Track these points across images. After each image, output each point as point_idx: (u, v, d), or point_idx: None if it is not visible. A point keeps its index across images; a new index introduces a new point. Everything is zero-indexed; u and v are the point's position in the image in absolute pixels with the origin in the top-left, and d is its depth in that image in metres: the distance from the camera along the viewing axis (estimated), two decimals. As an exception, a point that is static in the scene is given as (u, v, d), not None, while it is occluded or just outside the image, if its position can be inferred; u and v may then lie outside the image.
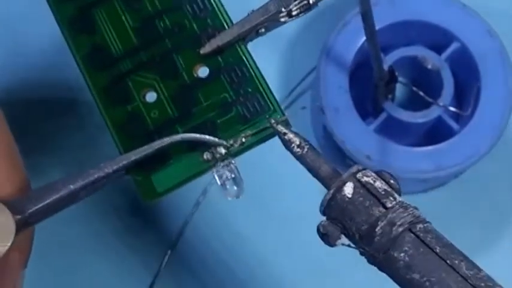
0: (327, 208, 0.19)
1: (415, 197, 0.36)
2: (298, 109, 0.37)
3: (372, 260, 0.19)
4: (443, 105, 0.32)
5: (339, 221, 0.19)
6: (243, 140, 0.22)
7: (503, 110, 0.32)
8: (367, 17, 0.25)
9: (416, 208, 0.19)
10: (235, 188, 0.22)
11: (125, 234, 0.37)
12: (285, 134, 0.21)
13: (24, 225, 0.20)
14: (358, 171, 0.19)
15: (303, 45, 0.38)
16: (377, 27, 0.32)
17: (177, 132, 0.22)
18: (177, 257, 0.36)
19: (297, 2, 0.22)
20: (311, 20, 0.37)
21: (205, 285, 0.36)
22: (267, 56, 0.37)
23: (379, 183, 0.19)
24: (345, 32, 0.33)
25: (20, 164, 0.22)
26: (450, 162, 0.31)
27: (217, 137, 0.22)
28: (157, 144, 0.21)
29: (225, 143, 0.21)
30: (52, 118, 0.38)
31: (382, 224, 0.18)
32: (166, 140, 0.21)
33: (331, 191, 0.19)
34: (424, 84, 0.34)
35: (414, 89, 0.33)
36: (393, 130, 0.33)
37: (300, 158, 0.20)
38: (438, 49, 0.33)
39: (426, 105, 0.33)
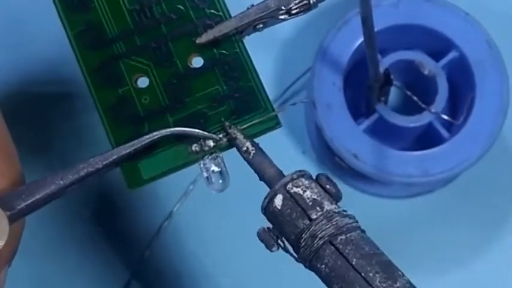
0: (264, 214, 0.20)
1: (402, 202, 0.36)
2: (291, 106, 0.37)
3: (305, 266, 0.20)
4: (436, 112, 0.32)
5: (275, 228, 0.20)
6: (233, 135, 0.22)
7: (495, 123, 0.32)
8: (366, 21, 0.25)
9: (349, 216, 0.19)
10: (220, 181, 0.22)
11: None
12: (235, 138, 0.21)
13: (13, 220, 0.20)
14: (291, 180, 0.19)
15: (301, 44, 0.38)
16: (377, 29, 0.32)
17: (167, 121, 0.22)
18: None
19: (297, 1, 0.22)
20: (310, 20, 0.37)
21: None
22: (264, 53, 0.37)
23: (308, 193, 0.19)
24: (344, 30, 0.33)
25: (16, 158, 0.22)
26: (436, 169, 0.31)
27: (206, 130, 0.21)
28: (147, 138, 0.21)
29: (215, 136, 0.21)
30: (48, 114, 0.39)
31: (305, 236, 0.19)
32: (156, 134, 0.21)
33: (265, 201, 0.20)
34: (419, 90, 0.33)
35: (408, 93, 0.33)
36: (383, 132, 0.33)
37: (248, 162, 0.21)
38: (436, 56, 0.33)
39: (419, 111, 0.33)
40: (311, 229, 0.19)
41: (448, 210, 0.36)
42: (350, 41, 0.33)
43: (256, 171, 0.21)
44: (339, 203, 0.20)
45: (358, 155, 0.32)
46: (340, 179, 0.36)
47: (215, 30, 0.22)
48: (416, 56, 0.33)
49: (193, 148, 0.21)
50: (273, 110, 0.22)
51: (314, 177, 0.20)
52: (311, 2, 0.22)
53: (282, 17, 0.22)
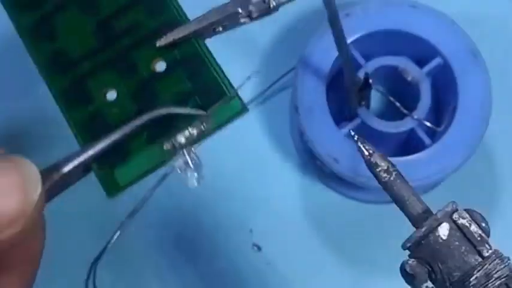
0: (415, 246, 0.18)
1: (383, 207, 0.36)
2: (275, 106, 0.37)
3: None
4: (417, 118, 0.32)
5: (427, 262, 0.18)
6: (202, 127, 0.22)
7: (476, 131, 0.32)
8: (334, 22, 0.25)
9: (509, 259, 0.18)
10: (196, 175, 0.22)
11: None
12: (370, 155, 0.20)
13: None
14: (454, 211, 0.18)
15: (285, 46, 0.38)
16: (363, 33, 0.33)
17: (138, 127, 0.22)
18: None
19: (256, 5, 0.22)
20: (295, 22, 0.37)
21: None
22: (248, 54, 0.37)
23: (474, 227, 0.18)
24: (328, 35, 0.33)
25: None
26: (417, 175, 0.31)
27: (176, 128, 0.22)
28: (138, 121, 0.21)
29: (205, 113, 0.22)
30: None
31: (478, 274, 0.17)
32: (146, 117, 0.21)
33: (424, 229, 0.18)
34: (402, 96, 0.34)
35: (391, 98, 0.33)
36: (365, 137, 0.33)
37: (385, 184, 0.19)
38: (421, 62, 0.33)
39: (401, 117, 0.33)
40: (485, 267, 0.17)
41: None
42: (334, 46, 0.33)
43: (395, 197, 0.19)
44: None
45: (339, 159, 0.32)
46: (322, 183, 0.36)
47: (174, 33, 0.22)
48: (401, 62, 0.33)
49: (164, 147, 0.22)
50: (239, 97, 0.22)
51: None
52: (271, 5, 0.22)
53: (242, 20, 0.22)
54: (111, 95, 0.23)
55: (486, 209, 0.35)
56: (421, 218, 0.18)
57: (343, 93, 0.34)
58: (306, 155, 0.36)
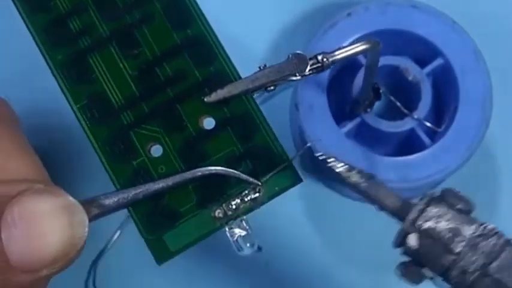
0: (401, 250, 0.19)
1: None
2: (275, 106, 0.37)
3: None
4: (418, 118, 0.32)
5: (417, 263, 0.18)
6: (255, 195, 0.21)
7: (477, 132, 0.32)
8: (370, 68, 0.25)
9: (490, 231, 0.18)
10: (248, 245, 0.21)
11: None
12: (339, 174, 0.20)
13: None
14: (419, 214, 0.18)
15: (289, 44, 0.38)
16: (364, 33, 0.33)
17: (187, 189, 0.21)
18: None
19: (311, 64, 0.21)
20: (298, 21, 0.37)
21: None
22: (248, 54, 0.37)
23: (443, 223, 0.18)
24: (331, 33, 0.33)
25: (38, 161, 0.21)
26: (416, 175, 0.31)
27: (228, 195, 0.21)
28: (188, 174, 0.20)
29: (258, 183, 0.21)
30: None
31: (455, 273, 0.18)
32: (197, 172, 0.21)
33: (397, 241, 0.19)
34: (403, 95, 0.33)
35: (391, 98, 0.33)
36: (365, 136, 0.33)
37: (361, 192, 0.20)
38: (422, 62, 0.33)
39: (402, 116, 0.33)
40: (459, 265, 0.17)
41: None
42: (337, 44, 0.32)
43: (373, 202, 0.20)
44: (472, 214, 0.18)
45: (338, 157, 0.31)
46: (321, 182, 0.36)
47: (225, 90, 0.21)
48: (402, 62, 0.33)
49: (216, 214, 0.21)
50: (292, 165, 0.21)
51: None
52: (324, 64, 0.21)
53: (294, 78, 0.21)
54: (157, 150, 0.21)
55: (486, 209, 0.35)
56: (401, 213, 0.19)
57: (344, 92, 0.34)
58: (306, 153, 0.36)
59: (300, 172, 0.36)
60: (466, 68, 0.32)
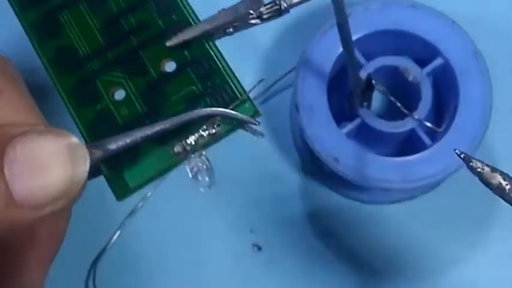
0: None
1: (382, 208, 0.36)
2: (275, 106, 0.37)
3: None
4: (418, 118, 0.32)
5: None
6: (213, 130, 0.22)
7: (477, 132, 0.32)
8: (342, 27, 0.25)
9: None
10: (207, 179, 0.22)
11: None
12: (480, 173, 0.20)
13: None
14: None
15: (288, 45, 0.38)
16: (364, 33, 0.33)
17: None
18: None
19: (268, 6, 0.22)
20: (296, 21, 0.37)
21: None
22: (249, 54, 0.37)
23: None
24: (331, 33, 0.33)
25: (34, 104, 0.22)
26: (416, 176, 0.31)
27: (186, 131, 0.22)
28: (184, 117, 0.21)
29: (253, 121, 0.22)
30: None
31: None
32: (194, 114, 0.21)
33: None
34: (403, 96, 0.34)
35: (391, 99, 0.33)
36: (366, 137, 0.33)
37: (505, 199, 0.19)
38: (422, 62, 0.33)
39: (402, 117, 0.33)
40: None
41: (428, 218, 0.36)
42: (336, 45, 0.32)
43: None
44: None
45: (339, 158, 0.32)
46: (322, 183, 0.36)
47: (184, 33, 0.22)
48: (402, 62, 0.33)
49: (175, 149, 0.22)
50: (252, 102, 0.22)
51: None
52: (282, 7, 0.22)
53: (253, 21, 0.22)
54: (120, 94, 0.23)
55: (486, 209, 0.35)
56: None
57: (344, 93, 0.34)
58: (306, 154, 0.36)
59: (300, 173, 0.37)
60: (466, 68, 0.32)
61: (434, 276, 0.35)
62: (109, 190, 0.36)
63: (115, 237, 0.35)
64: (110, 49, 0.23)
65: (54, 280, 0.36)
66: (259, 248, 0.36)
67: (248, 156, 0.37)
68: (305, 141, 0.33)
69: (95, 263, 0.35)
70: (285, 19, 0.38)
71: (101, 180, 0.37)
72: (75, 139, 0.19)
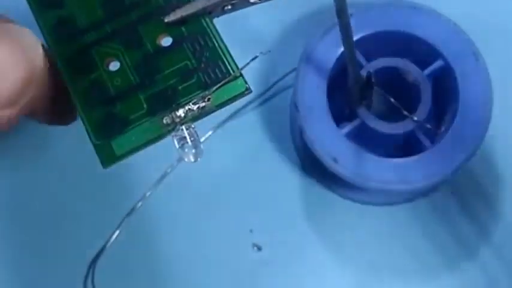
0: None
1: (381, 209, 0.36)
2: (276, 106, 0.37)
3: None
4: (418, 120, 0.32)
5: None
6: (203, 104, 0.22)
7: (476, 134, 0.32)
8: (342, 14, 0.25)
9: None
10: (193, 150, 0.22)
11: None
12: None
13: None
14: None
15: (290, 43, 0.38)
16: (365, 34, 0.33)
17: (138, 99, 0.22)
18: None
19: None
20: (297, 21, 0.37)
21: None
22: (252, 51, 0.37)
23: None
24: (332, 33, 0.33)
25: None
26: (415, 177, 0.31)
27: (177, 103, 0.22)
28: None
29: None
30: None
31: None
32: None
33: None
34: (403, 97, 0.33)
35: (391, 100, 0.33)
36: (365, 137, 0.33)
37: None
38: (422, 64, 0.33)
39: (402, 118, 0.33)
40: None
41: (427, 220, 0.36)
42: (337, 45, 0.33)
43: None
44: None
45: (338, 159, 0.32)
46: (322, 183, 0.36)
47: (183, 9, 0.22)
48: (402, 63, 0.33)
49: (164, 121, 0.22)
50: (244, 79, 0.22)
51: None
52: None
53: (252, 0, 0.22)
54: (114, 65, 0.23)
55: (486, 210, 0.35)
56: None
57: (344, 93, 0.34)
58: (306, 155, 0.36)
59: (300, 173, 0.37)
60: (466, 70, 0.32)
61: (434, 276, 0.35)
62: (109, 190, 0.37)
63: (114, 236, 0.35)
64: (109, 22, 0.23)
65: (54, 279, 0.36)
66: (259, 248, 0.36)
67: (248, 156, 0.37)
68: (305, 141, 0.33)
69: (93, 262, 0.35)
70: (284, 19, 0.38)
71: (101, 180, 0.37)
72: (28, 34, 0.20)
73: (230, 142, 0.37)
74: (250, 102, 0.37)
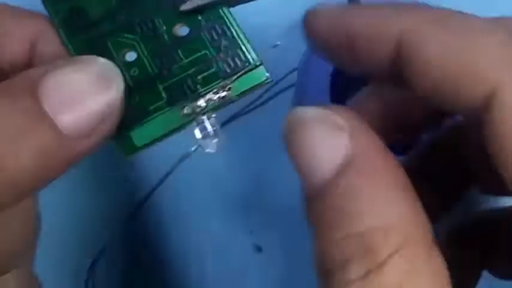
0: None
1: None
2: (276, 107, 0.37)
3: None
4: (418, 120, 0.32)
5: None
6: (224, 93, 0.22)
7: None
8: None
9: None
10: (214, 141, 0.22)
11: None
12: None
13: None
14: None
15: (289, 43, 0.38)
16: None
17: (158, 90, 0.22)
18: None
19: None
20: (297, 21, 0.37)
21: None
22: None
23: None
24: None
25: None
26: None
27: (197, 93, 0.22)
28: None
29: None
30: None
31: None
32: None
33: None
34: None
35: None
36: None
37: None
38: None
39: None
40: None
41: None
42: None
43: None
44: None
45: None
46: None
47: None
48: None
49: (185, 111, 0.22)
50: (262, 65, 0.22)
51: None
52: None
53: None
54: (131, 56, 0.23)
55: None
56: None
57: (345, 93, 0.34)
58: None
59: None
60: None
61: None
62: (109, 190, 0.37)
63: (115, 236, 0.35)
64: (123, 12, 0.23)
65: (54, 279, 0.36)
66: (260, 249, 0.36)
67: (248, 156, 0.37)
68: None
69: (95, 262, 0.35)
70: (285, 19, 0.38)
71: (101, 180, 0.37)
72: (103, 61, 0.20)
73: (230, 142, 0.37)
74: (251, 103, 0.37)
